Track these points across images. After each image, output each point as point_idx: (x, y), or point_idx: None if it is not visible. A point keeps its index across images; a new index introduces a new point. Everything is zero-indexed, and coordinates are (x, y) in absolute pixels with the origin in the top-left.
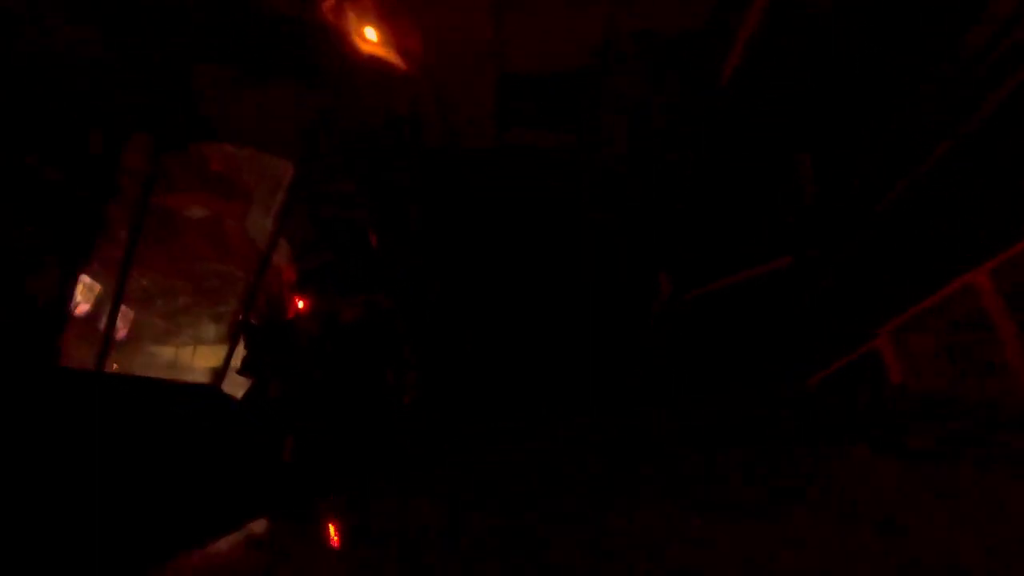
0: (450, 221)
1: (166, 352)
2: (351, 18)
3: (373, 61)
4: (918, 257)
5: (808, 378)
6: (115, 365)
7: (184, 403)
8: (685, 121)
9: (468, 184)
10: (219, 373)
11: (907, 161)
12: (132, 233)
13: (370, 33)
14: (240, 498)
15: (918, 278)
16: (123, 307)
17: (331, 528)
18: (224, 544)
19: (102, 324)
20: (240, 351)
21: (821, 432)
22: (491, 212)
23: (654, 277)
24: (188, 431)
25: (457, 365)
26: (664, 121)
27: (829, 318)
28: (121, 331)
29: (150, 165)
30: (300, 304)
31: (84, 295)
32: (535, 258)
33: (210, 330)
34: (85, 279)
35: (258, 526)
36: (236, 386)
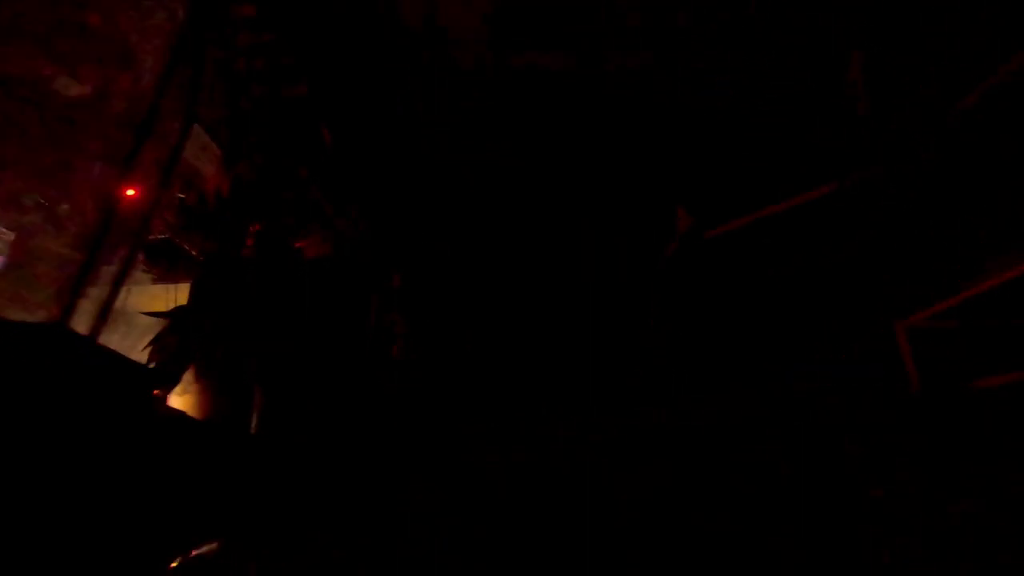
0: (446, 215)
1: (92, 291)
2: None
3: None
4: None
5: (888, 327)
6: None
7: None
8: (713, 19)
9: (463, 176)
10: (66, 305)
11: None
12: None
13: None
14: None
15: None
16: None
17: (325, 528)
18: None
19: None
20: (152, 293)
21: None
22: (490, 207)
23: (657, 264)
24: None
25: (457, 365)
26: (688, 22)
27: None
28: None
29: None
30: (239, 228)
31: None
32: (535, 258)
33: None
34: None
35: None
36: (125, 329)
